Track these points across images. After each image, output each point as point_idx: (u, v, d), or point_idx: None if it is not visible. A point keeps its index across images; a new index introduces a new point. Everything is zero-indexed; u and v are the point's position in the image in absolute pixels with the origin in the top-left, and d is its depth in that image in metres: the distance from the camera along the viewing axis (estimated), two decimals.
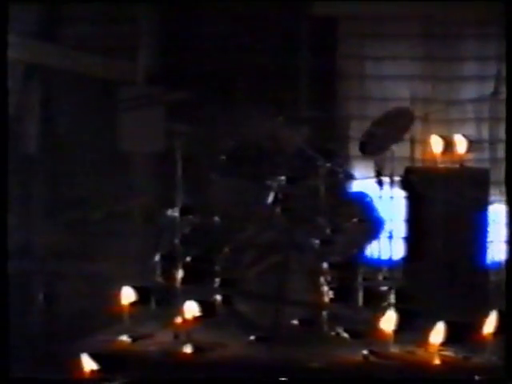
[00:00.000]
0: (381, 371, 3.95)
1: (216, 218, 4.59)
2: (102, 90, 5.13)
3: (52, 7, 5.34)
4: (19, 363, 4.07)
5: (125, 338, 4.24)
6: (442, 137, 4.88)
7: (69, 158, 4.99)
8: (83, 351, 3.93)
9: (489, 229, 4.75)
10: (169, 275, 4.48)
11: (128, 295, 4.32)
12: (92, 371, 3.91)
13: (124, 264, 4.70)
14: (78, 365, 3.90)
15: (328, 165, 4.58)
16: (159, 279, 4.50)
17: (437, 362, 4.02)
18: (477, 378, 3.78)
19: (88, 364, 3.91)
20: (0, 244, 3.24)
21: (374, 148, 4.55)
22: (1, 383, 3.10)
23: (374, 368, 4.00)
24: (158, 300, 4.43)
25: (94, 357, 3.89)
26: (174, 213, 4.56)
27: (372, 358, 4.05)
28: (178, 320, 4.29)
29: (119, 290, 4.31)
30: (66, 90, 5.27)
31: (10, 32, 5.24)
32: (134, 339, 4.24)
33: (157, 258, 4.51)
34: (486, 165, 5.19)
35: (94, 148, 5.14)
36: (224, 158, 4.65)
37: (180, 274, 4.43)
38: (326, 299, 4.37)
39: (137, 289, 4.35)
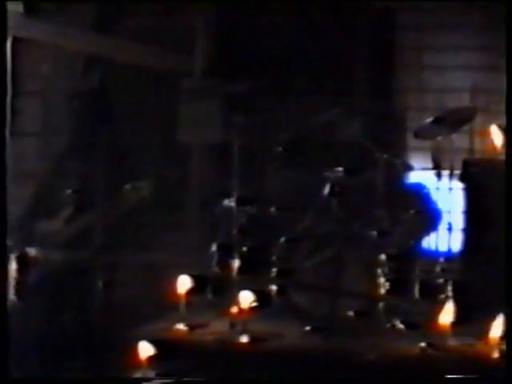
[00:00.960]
0: (438, 364, 3.92)
1: (272, 209, 4.61)
2: (161, 82, 5.17)
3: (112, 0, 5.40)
4: (78, 351, 4.17)
5: (181, 326, 4.28)
6: (502, 128, 4.81)
7: (127, 146, 5.05)
8: (140, 339, 3.99)
9: None
10: (225, 265, 4.51)
11: (185, 284, 4.36)
12: (149, 359, 3.96)
13: (181, 254, 4.74)
14: (135, 352, 3.96)
15: (385, 156, 4.55)
16: (216, 269, 4.54)
17: (496, 355, 3.98)
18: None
19: (145, 351, 3.97)
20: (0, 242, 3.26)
21: (429, 133, 4.50)
22: (1, 383, 3.13)
23: (431, 361, 3.97)
24: (215, 289, 4.47)
25: (152, 344, 3.95)
26: (230, 203, 4.59)
27: (430, 351, 4.02)
28: (234, 310, 4.31)
29: (176, 278, 4.35)
30: (125, 82, 5.32)
31: (70, 25, 5.35)
32: (191, 328, 4.28)
33: (213, 247, 4.55)
34: None
35: (151, 138, 5.19)
36: (281, 148, 4.66)
37: (236, 263, 4.46)
38: (383, 291, 4.36)
39: (193, 277, 4.39)
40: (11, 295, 4.09)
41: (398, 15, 5.30)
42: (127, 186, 4.41)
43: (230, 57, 5.05)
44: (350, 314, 4.34)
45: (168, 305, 4.34)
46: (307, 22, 5.00)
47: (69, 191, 4.58)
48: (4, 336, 3.07)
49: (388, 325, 4.27)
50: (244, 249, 4.49)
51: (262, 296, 4.35)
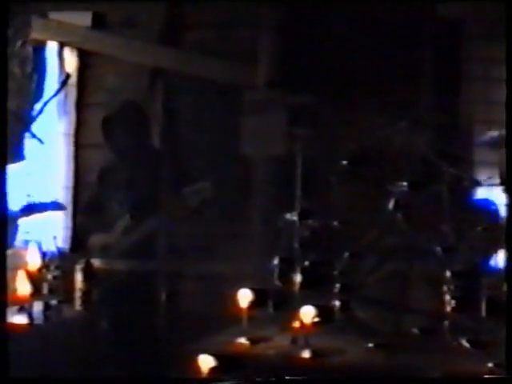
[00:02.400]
0: None
1: (335, 223, 4.56)
2: (223, 94, 5.19)
3: (175, 12, 5.44)
4: (142, 362, 4.18)
5: (243, 340, 4.26)
6: None
7: (190, 157, 5.07)
8: (202, 351, 3.98)
9: None
10: (287, 279, 4.48)
11: (246, 297, 4.34)
12: (210, 371, 3.95)
13: (242, 266, 4.73)
14: (197, 364, 3.96)
15: (452, 170, 4.48)
16: (277, 283, 4.51)
17: None
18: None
19: (206, 364, 3.96)
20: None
21: (496, 146, 4.41)
22: (1, 383, 3.13)
23: (498, 382, 3.87)
24: (276, 303, 4.44)
25: (213, 357, 3.94)
26: (293, 216, 4.56)
27: (497, 372, 3.92)
28: (296, 324, 4.28)
29: (237, 291, 4.34)
30: (188, 94, 5.35)
31: (135, 38, 5.41)
32: (252, 342, 4.26)
33: (275, 261, 4.52)
34: None
35: (214, 150, 5.20)
36: (345, 162, 4.61)
37: (298, 278, 4.43)
38: (448, 308, 4.27)
39: (255, 291, 4.37)
40: (77, 306, 4.15)
41: (464, 25, 5.21)
42: (187, 190, 4.41)
43: (294, 68, 5.03)
44: (415, 330, 4.27)
45: (229, 318, 4.33)
46: (372, 34, 4.95)
47: (130, 201, 4.62)
48: (4, 336, 3.06)
49: (454, 343, 4.19)
50: (306, 263, 4.45)
51: (324, 311, 4.31)
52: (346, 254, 4.45)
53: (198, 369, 3.95)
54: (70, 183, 5.59)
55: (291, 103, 4.91)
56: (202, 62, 5.26)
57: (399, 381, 3.84)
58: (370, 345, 4.24)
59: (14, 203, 4.41)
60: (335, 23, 4.99)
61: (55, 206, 4.33)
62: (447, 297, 4.26)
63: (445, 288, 4.27)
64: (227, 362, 4.03)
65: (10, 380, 3.14)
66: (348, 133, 4.90)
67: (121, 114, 4.72)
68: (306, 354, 4.13)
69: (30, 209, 4.17)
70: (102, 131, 4.73)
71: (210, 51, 5.27)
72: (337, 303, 4.37)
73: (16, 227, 4.63)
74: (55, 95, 5.19)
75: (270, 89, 5.01)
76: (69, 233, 5.33)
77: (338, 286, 4.40)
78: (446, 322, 4.23)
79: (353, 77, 4.99)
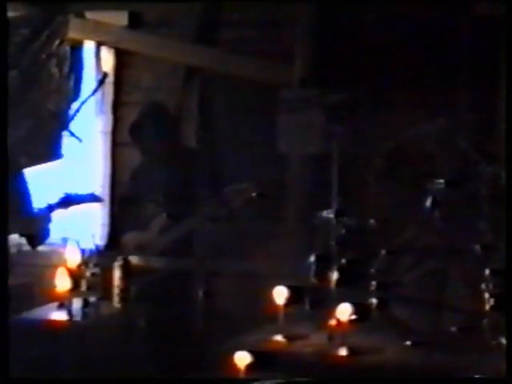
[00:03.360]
0: None
1: (372, 221, 4.55)
2: (259, 93, 5.19)
3: (211, 10, 5.46)
4: (179, 359, 4.21)
5: (279, 337, 4.26)
6: None
7: (227, 157, 5.08)
8: (238, 349, 3.99)
9: None
10: (323, 277, 4.47)
11: (282, 294, 4.35)
12: (246, 369, 3.96)
13: (279, 264, 4.73)
14: (233, 362, 3.97)
15: (490, 168, 4.44)
16: (313, 280, 4.50)
17: None
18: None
19: (243, 361, 3.97)
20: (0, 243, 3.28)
21: None
22: (1, 383, 3.15)
23: None
24: (312, 301, 4.43)
25: (250, 354, 3.95)
26: (329, 214, 4.56)
27: None
28: (333, 322, 4.27)
29: (273, 288, 4.34)
30: (224, 93, 5.36)
31: (171, 37, 5.44)
32: (289, 339, 4.26)
33: (311, 259, 4.52)
34: None
35: (251, 149, 5.21)
36: (382, 159, 4.60)
37: (335, 275, 4.42)
38: (487, 306, 4.24)
39: (291, 288, 4.37)
40: (115, 303, 4.18)
41: (503, 23, 5.16)
42: (229, 190, 4.41)
43: (330, 67, 5.02)
44: (453, 329, 4.25)
45: (266, 315, 4.34)
46: (408, 31, 4.92)
47: (166, 201, 4.64)
48: (4, 336, 3.08)
49: (492, 342, 4.15)
50: (343, 261, 4.44)
51: (361, 309, 4.29)
52: (383, 252, 4.43)
53: (234, 366, 3.96)
54: (107, 181, 5.64)
55: (328, 101, 4.90)
56: (239, 61, 5.27)
57: (437, 381, 3.82)
58: (408, 343, 4.22)
59: (52, 201, 4.46)
60: (372, 21, 4.98)
61: (92, 198, 4.36)
62: (486, 295, 4.23)
63: (483, 286, 4.24)
64: (263, 359, 4.03)
65: (10, 380, 3.13)
66: (385, 130, 4.88)
67: (146, 116, 4.73)
68: (343, 352, 4.12)
69: (68, 201, 4.21)
70: (129, 135, 4.74)
71: (247, 50, 5.28)
72: (373, 301, 4.36)
73: (54, 225, 4.67)
74: (93, 94, 5.23)
75: (307, 87, 5.01)
76: (106, 230, 5.38)
77: (374, 284, 4.39)
78: (485, 321, 4.20)
79: (390, 74, 4.97)
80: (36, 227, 4.12)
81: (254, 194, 4.39)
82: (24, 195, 4.23)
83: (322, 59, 5.08)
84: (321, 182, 4.69)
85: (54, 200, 4.29)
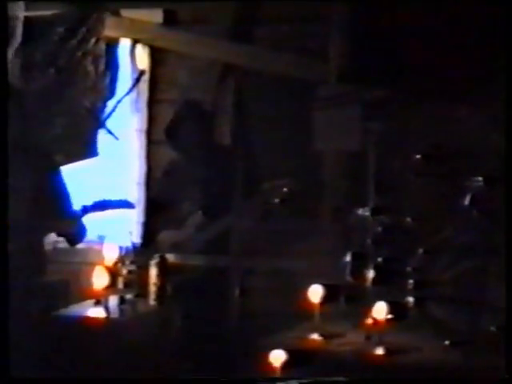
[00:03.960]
0: None
1: (409, 219, 4.50)
2: (295, 90, 5.16)
3: (246, 7, 5.44)
4: (213, 355, 4.20)
5: (315, 335, 4.24)
6: None
7: (262, 154, 5.06)
8: (274, 347, 3.97)
9: None
10: (359, 275, 4.44)
11: (318, 293, 4.32)
12: (282, 367, 3.94)
13: (314, 262, 4.71)
14: (269, 360, 3.95)
15: None
16: (349, 278, 4.47)
17: None
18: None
19: (278, 359, 3.95)
20: (0, 243, 3.27)
21: None
22: (1, 383, 3.13)
23: None
24: (348, 299, 4.40)
25: (286, 352, 3.93)
26: (365, 212, 4.52)
27: None
28: (369, 321, 4.24)
29: (309, 287, 4.31)
30: (260, 90, 5.34)
31: (206, 34, 5.43)
32: (325, 337, 4.24)
33: (347, 257, 4.48)
34: None
35: (286, 146, 5.18)
36: (419, 156, 4.55)
37: (371, 274, 4.39)
38: None
39: (327, 287, 4.34)
40: (151, 300, 4.18)
41: None
42: (267, 186, 4.39)
43: (367, 63, 4.98)
44: (492, 329, 4.19)
45: (301, 313, 4.31)
46: (449, 27, 4.85)
47: (201, 199, 4.63)
48: (4, 336, 3.07)
49: None
50: (379, 259, 4.41)
51: (398, 308, 4.26)
52: (421, 251, 4.39)
53: (270, 364, 3.94)
54: (142, 179, 5.65)
55: (365, 98, 4.86)
56: (274, 58, 5.24)
57: (438, 381, 3.77)
58: (446, 343, 4.17)
59: (87, 199, 4.48)
60: (410, 17, 4.92)
61: (125, 204, 4.36)
62: None
63: None
64: (299, 357, 4.01)
65: (10, 380, 3.13)
66: (423, 127, 4.83)
67: (181, 115, 4.72)
68: (380, 351, 4.08)
69: (101, 206, 4.21)
70: (165, 134, 4.74)
71: (282, 47, 5.25)
72: (410, 300, 4.32)
73: (90, 223, 4.68)
74: (129, 92, 5.24)
75: (343, 84, 4.97)
76: (141, 228, 5.39)
77: (411, 282, 4.35)
78: None
79: (428, 71, 4.91)
80: (73, 226, 4.14)
81: (289, 191, 4.36)
82: (61, 193, 4.24)
83: (358, 55, 5.04)
84: (357, 180, 4.66)
85: (89, 201, 4.31)
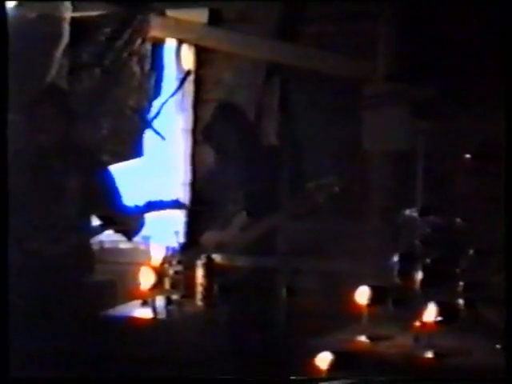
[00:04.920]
0: None
1: (458, 219, 4.43)
2: (342, 89, 5.11)
3: (292, 6, 5.40)
4: (261, 358, 4.18)
5: (363, 338, 4.19)
6: None
7: (308, 153, 5.02)
8: (321, 349, 3.94)
9: None
10: (407, 276, 4.38)
11: (365, 294, 4.27)
12: (329, 369, 3.91)
13: (362, 262, 4.66)
14: (316, 362, 3.92)
15: None
16: (397, 280, 4.41)
17: None
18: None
19: (326, 362, 3.91)
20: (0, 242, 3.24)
21: None
22: (1, 383, 3.10)
23: None
24: (396, 301, 4.34)
25: (333, 355, 3.89)
26: (413, 212, 4.46)
27: None
28: (418, 323, 4.17)
29: (356, 288, 4.27)
30: (305, 89, 5.31)
31: (251, 33, 5.41)
32: (373, 340, 4.18)
33: (395, 258, 4.42)
34: None
35: (333, 146, 5.14)
36: (469, 156, 4.47)
37: (419, 275, 4.32)
38: None
39: (374, 288, 4.29)
40: (198, 301, 4.17)
41: None
42: (312, 185, 4.34)
43: (415, 61, 4.91)
44: None
45: (348, 315, 4.27)
46: (498, 24, 4.77)
47: (245, 198, 4.59)
48: (4, 336, 3.05)
49: None
50: (427, 260, 4.34)
51: (447, 310, 4.18)
52: (471, 252, 4.31)
53: (317, 366, 3.91)
54: (188, 179, 5.65)
55: (413, 97, 4.79)
56: (321, 57, 5.20)
57: (438, 381, 3.70)
58: (498, 346, 4.09)
59: (133, 199, 4.48)
60: (458, 14, 4.84)
61: (175, 204, 4.34)
62: None
63: None
64: (347, 359, 3.97)
65: (10, 380, 3.13)
66: (472, 126, 4.75)
67: (218, 116, 4.69)
68: (429, 354, 4.02)
69: (150, 207, 4.20)
70: (202, 135, 4.72)
71: (329, 45, 5.21)
72: (461, 302, 4.24)
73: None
74: (176, 92, 5.24)
75: (391, 82, 4.91)
76: (187, 228, 5.38)
77: (461, 284, 4.27)
78: None
79: (477, 68, 4.83)
80: (128, 222, 4.15)
81: (336, 190, 4.31)
82: (109, 193, 4.26)
83: (406, 53, 4.97)
84: (405, 180, 4.60)
85: (139, 202, 4.30)
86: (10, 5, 4.98)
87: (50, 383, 3.57)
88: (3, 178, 3.23)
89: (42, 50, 5.07)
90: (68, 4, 5.10)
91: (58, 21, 5.12)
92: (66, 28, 5.12)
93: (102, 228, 4.19)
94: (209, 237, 4.51)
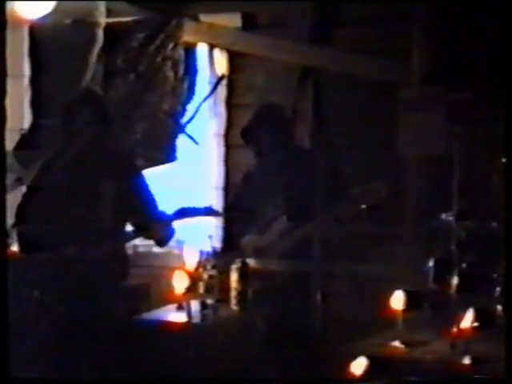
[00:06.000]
0: None
1: (494, 224, 4.37)
2: (376, 93, 5.08)
3: (325, 9, 5.38)
4: (296, 362, 4.15)
5: (397, 343, 4.15)
6: None
7: (343, 158, 5.00)
8: (356, 354, 3.91)
9: None
10: (443, 281, 4.33)
11: (400, 299, 4.23)
12: (364, 374, 3.88)
13: (396, 267, 4.62)
14: (351, 367, 3.89)
15: None
16: (432, 285, 4.37)
17: None
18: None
19: (360, 367, 3.88)
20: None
21: None
22: (1, 383, 3.09)
23: None
24: (432, 306, 4.30)
25: (368, 360, 3.86)
26: (449, 217, 4.41)
27: None
28: (454, 329, 4.13)
29: (391, 293, 4.23)
30: (340, 93, 5.28)
31: (285, 37, 5.39)
32: (408, 345, 4.14)
33: (430, 263, 4.38)
34: None
35: (368, 150, 5.11)
36: (505, 160, 4.41)
37: (455, 280, 4.27)
38: None
39: (409, 293, 4.25)
40: (233, 305, 4.16)
41: None
42: (358, 191, 4.30)
43: (451, 63, 4.87)
44: None
45: (383, 320, 4.23)
46: None
47: (284, 203, 4.57)
48: (4, 336, 3.03)
49: None
50: (463, 265, 4.29)
51: (484, 315, 4.13)
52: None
53: (351, 371, 3.88)
54: (221, 184, 5.64)
55: (449, 100, 4.75)
56: (355, 60, 5.17)
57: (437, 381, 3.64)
58: None
59: (166, 204, 4.48)
60: (495, 16, 4.78)
61: (209, 211, 4.32)
62: None
63: None
64: (382, 365, 3.94)
65: (10, 380, 3.12)
66: (510, 129, 4.68)
67: (260, 118, 4.66)
68: (466, 361, 3.97)
69: (183, 214, 4.19)
70: (241, 137, 4.70)
71: (363, 49, 5.18)
72: (498, 308, 4.18)
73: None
74: (209, 96, 5.24)
75: (427, 86, 4.87)
76: (221, 233, 5.38)
77: (498, 289, 4.21)
78: None
79: None
80: (160, 229, 4.15)
81: (383, 195, 4.27)
82: (143, 199, 4.26)
83: (442, 56, 4.93)
84: (441, 184, 4.55)
85: (171, 208, 4.30)
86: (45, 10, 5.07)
87: (50, 383, 3.58)
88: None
89: (77, 56, 5.11)
90: (102, 10, 5.13)
91: (93, 26, 5.16)
92: (100, 34, 5.16)
93: (135, 234, 4.20)
94: (247, 241, 4.48)
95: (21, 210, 4.24)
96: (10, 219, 4.40)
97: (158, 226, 4.16)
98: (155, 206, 4.24)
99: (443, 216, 4.43)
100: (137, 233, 4.15)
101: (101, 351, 3.91)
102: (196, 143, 4.79)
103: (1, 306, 3.05)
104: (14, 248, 4.07)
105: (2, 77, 3.08)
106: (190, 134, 4.82)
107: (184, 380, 3.83)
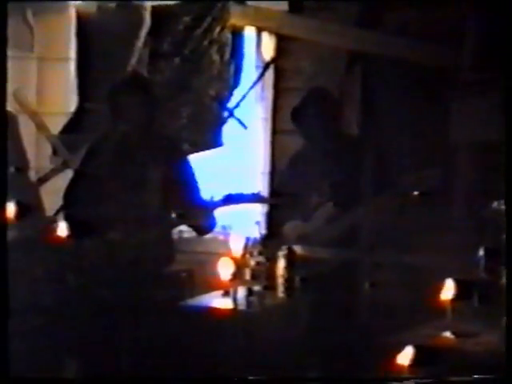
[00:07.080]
0: None
1: None
2: (425, 77, 4.98)
3: None
4: (342, 351, 4.11)
5: (447, 334, 4.07)
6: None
7: (391, 144, 4.91)
8: (404, 344, 3.84)
9: None
10: (494, 271, 4.24)
11: (450, 289, 4.15)
12: (411, 366, 3.82)
13: (446, 256, 4.53)
14: (398, 357, 3.83)
15: None
16: (483, 274, 4.28)
17: None
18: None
19: (407, 357, 3.82)
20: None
21: None
22: (1, 383, 3.04)
23: None
24: (482, 296, 4.21)
25: (416, 350, 3.80)
26: (500, 205, 4.31)
27: None
28: (504, 320, 4.04)
29: (440, 282, 4.15)
30: (388, 78, 5.19)
31: (333, 21, 5.30)
32: (458, 336, 4.07)
33: (481, 252, 4.29)
34: None
35: (417, 136, 5.02)
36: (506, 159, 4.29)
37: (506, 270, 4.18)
38: None
39: (459, 283, 4.17)
40: (280, 292, 4.11)
41: None
42: (410, 177, 4.22)
43: (504, 47, 4.74)
44: None
45: (432, 310, 4.16)
46: None
47: (331, 190, 4.51)
48: (4, 336, 3.00)
49: None
50: None
51: None
52: None
53: (399, 362, 3.82)
54: (267, 169, 5.59)
55: (500, 86, 4.62)
56: (403, 44, 5.07)
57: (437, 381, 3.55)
58: None
59: (212, 189, 4.45)
60: None
61: (256, 198, 4.27)
62: None
63: None
64: (430, 355, 3.87)
65: (10, 380, 3.10)
66: None
67: (310, 102, 4.58)
68: None
69: (229, 200, 4.15)
70: (291, 120, 4.62)
71: (412, 32, 5.07)
72: None
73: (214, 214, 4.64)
74: (257, 82, 5.18)
75: (478, 71, 4.75)
76: (267, 219, 5.33)
77: None
78: None
79: None
80: (202, 217, 4.11)
81: (435, 183, 4.18)
82: (188, 185, 4.23)
83: (494, 40, 4.80)
84: (493, 172, 4.45)
85: (219, 194, 4.25)
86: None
87: (50, 383, 3.56)
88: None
89: (123, 40, 5.09)
90: None
91: (138, 10, 5.13)
92: (147, 17, 5.13)
93: (179, 221, 4.17)
94: (291, 228, 4.43)
95: (68, 194, 4.24)
96: (57, 203, 4.43)
97: (198, 214, 4.13)
98: (200, 192, 4.21)
99: (495, 204, 4.34)
100: (180, 219, 4.12)
101: (145, 337, 3.90)
102: (245, 127, 4.74)
103: (1, 307, 3.05)
104: (60, 232, 4.07)
105: (2, 77, 3.08)
106: (239, 118, 4.78)
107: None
